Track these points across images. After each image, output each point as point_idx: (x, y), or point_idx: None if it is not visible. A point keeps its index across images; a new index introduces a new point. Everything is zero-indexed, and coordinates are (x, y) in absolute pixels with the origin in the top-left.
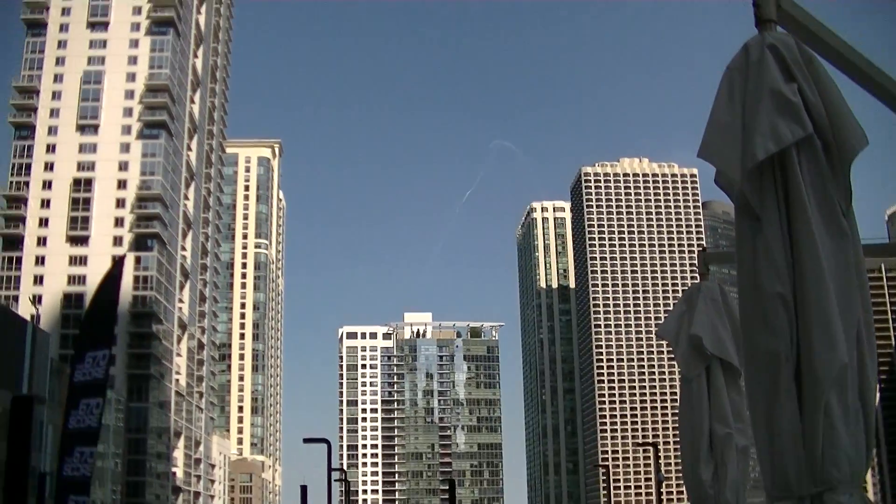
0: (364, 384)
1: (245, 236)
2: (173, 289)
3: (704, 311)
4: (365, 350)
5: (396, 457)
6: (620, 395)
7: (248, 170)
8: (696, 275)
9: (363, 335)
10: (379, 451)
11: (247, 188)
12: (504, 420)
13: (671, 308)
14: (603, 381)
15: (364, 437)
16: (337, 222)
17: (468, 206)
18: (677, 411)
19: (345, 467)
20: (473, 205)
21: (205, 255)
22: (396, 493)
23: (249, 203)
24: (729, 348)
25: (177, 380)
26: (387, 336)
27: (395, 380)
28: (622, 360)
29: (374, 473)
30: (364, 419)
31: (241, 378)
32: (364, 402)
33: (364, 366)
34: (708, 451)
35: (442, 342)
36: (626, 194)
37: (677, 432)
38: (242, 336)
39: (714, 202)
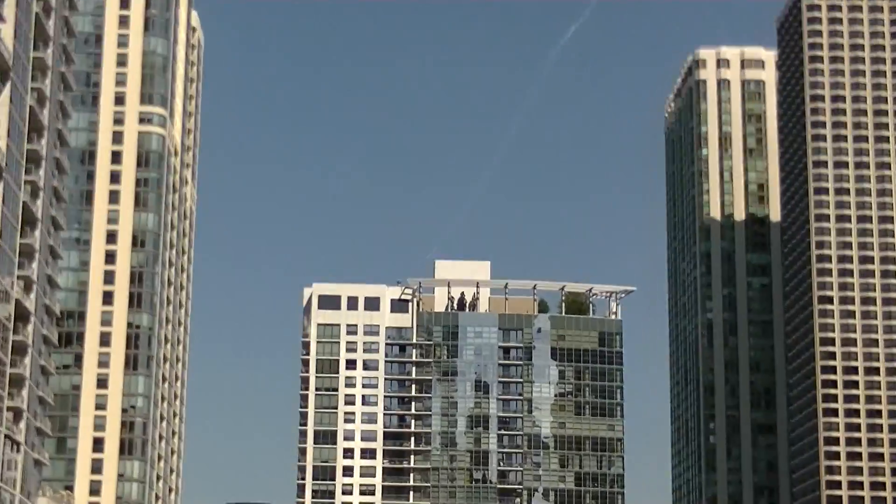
0: (351, 399)
1: (120, 100)
2: None
3: None
4: (355, 332)
5: None
6: (871, 430)
7: None
8: None
9: (351, 302)
10: None
11: (125, 5)
12: (630, 480)
13: None
14: (835, 408)
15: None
16: (302, 86)
17: (558, 71)
18: None
19: None
20: (567, 66)
21: (37, 136)
22: None
23: (131, 36)
24: None
25: None
26: (398, 305)
27: (414, 393)
28: (874, 366)
29: None
30: (349, 471)
31: (103, 383)
32: (351, 437)
33: (352, 363)
34: None
35: (509, 320)
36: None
37: None
38: (108, 300)
39: None
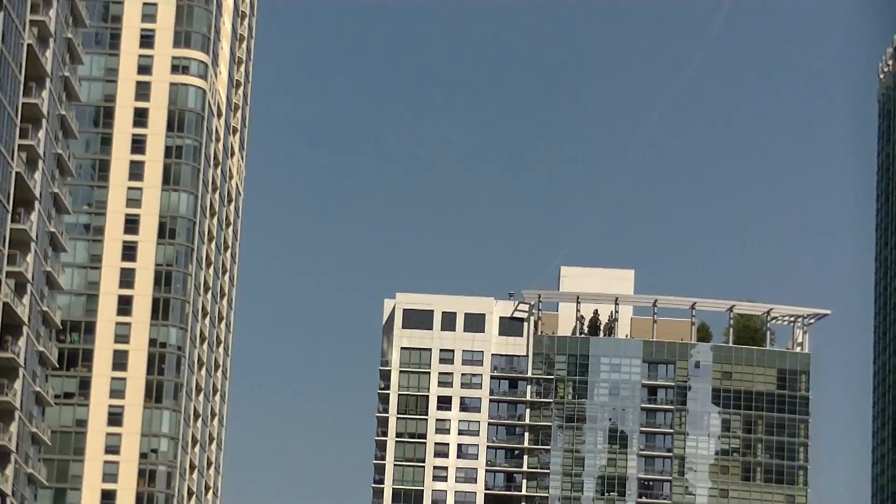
0: (444, 451)
1: (147, 41)
2: None
3: None
4: (451, 359)
5: None
6: None
7: None
8: None
9: (447, 319)
10: None
11: None
12: None
13: None
14: None
15: None
16: (394, 46)
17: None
18: None
19: None
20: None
21: (36, 86)
22: None
23: None
24: None
25: None
26: (510, 325)
27: (527, 444)
28: None
29: None
30: None
31: (116, 419)
32: (442, 501)
33: (446, 402)
34: None
35: (657, 350)
36: None
37: None
38: (125, 308)
39: None
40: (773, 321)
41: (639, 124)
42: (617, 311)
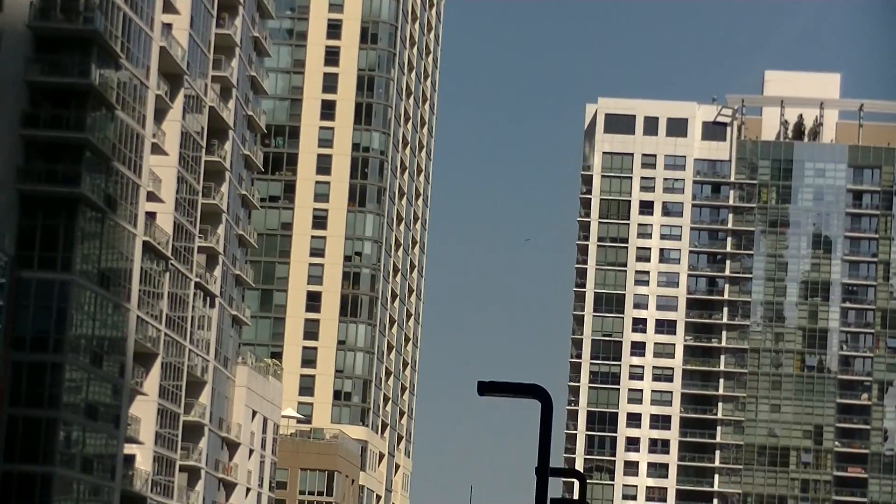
0: (645, 255)
1: None
2: None
3: None
4: (653, 164)
5: (722, 451)
6: None
7: None
8: None
9: (649, 124)
10: (673, 432)
11: None
12: None
13: None
14: None
15: (638, 396)
16: None
17: None
18: None
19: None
20: None
21: None
22: None
23: None
24: None
25: (151, 224)
26: (713, 129)
27: (729, 248)
28: None
29: (656, 494)
30: (639, 348)
31: (320, 222)
32: (643, 305)
33: (648, 206)
34: None
35: (863, 155)
36: None
37: None
38: (328, 113)
39: None
40: None
41: None
42: (822, 116)
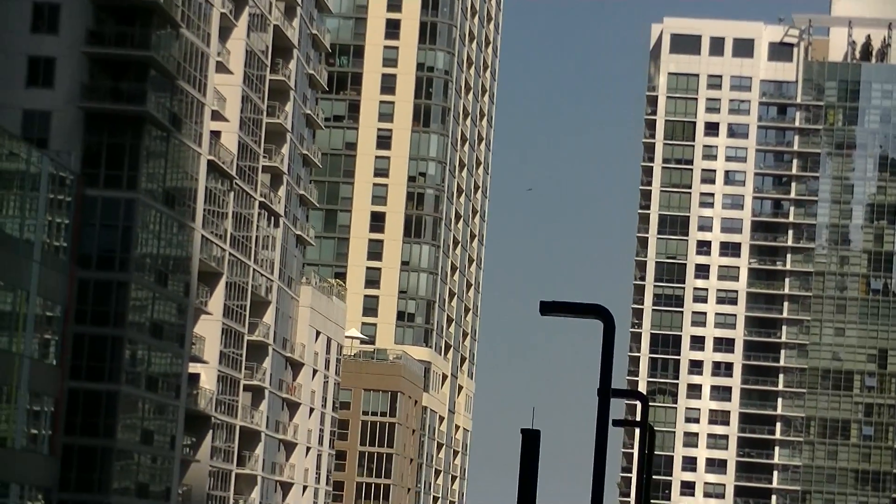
0: (710, 176)
1: None
2: None
3: None
4: (718, 85)
5: (786, 375)
6: None
7: None
8: None
9: (715, 44)
10: (737, 355)
11: None
12: None
13: None
14: None
15: (702, 318)
16: None
17: None
18: None
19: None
20: None
21: None
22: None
23: None
24: None
25: (215, 143)
26: (779, 50)
27: (795, 171)
28: None
29: (719, 417)
30: (703, 270)
31: (384, 142)
32: (708, 227)
33: (713, 127)
34: None
35: None
36: None
37: None
38: (393, 32)
39: None
40: None
41: None
42: (890, 37)
